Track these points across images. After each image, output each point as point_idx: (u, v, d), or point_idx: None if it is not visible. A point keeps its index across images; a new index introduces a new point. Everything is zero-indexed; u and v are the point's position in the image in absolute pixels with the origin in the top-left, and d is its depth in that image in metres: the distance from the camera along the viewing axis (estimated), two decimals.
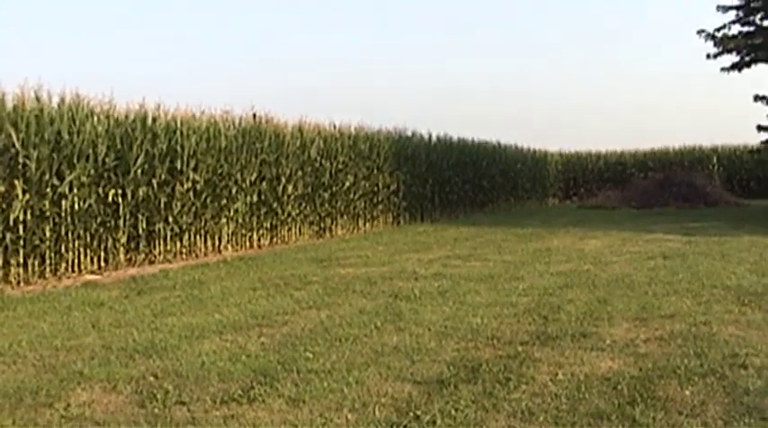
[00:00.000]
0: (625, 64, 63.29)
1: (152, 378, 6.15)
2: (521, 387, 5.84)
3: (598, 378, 6.05)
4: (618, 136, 56.19)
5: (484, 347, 7.19)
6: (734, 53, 27.92)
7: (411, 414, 5.19)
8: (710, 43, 27.91)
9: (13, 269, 11.68)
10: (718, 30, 27.89)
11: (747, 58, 27.79)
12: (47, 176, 12.29)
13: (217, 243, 16.45)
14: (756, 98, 27.90)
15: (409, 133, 25.99)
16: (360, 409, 5.36)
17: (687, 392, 5.65)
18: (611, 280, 10.98)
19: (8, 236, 11.59)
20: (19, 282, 11.67)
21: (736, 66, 28.09)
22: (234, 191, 16.86)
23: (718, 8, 28.09)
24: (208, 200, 16.03)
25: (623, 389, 5.71)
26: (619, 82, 63.34)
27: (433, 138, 27.64)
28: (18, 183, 11.78)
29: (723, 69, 28.33)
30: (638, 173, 40.71)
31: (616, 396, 5.56)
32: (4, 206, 11.57)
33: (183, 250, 15.42)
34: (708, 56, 28.08)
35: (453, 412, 5.23)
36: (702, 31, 27.93)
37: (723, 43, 27.70)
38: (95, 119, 13.58)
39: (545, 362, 6.58)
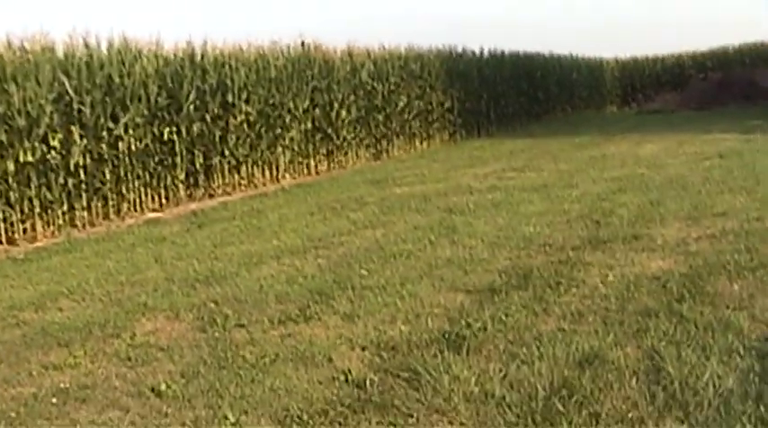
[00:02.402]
0: None
1: (212, 305, 6.37)
2: (571, 291, 5.96)
3: (648, 278, 6.13)
4: (674, 40, 54.82)
5: (536, 254, 7.30)
6: None
7: (462, 322, 5.34)
8: None
9: (78, 212, 12.00)
10: None
11: None
12: (102, 120, 12.51)
13: (274, 172, 16.64)
14: None
15: (460, 50, 25.78)
16: (413, 320, 5.52)
17: (736, 286, 5.71)
18: (665, 182, 10.96)
19: (70, 180, 11.87)
20: (84, 225, 11.98)
21: None
22: (287, 119, 16.97)
23: None
24: (262, 131, 16.18)
25: (672, 287, 5.79)
26: None
27: (485, 52, 27.38)
28: (75, 129, 12.01)
29: None
30: (698, 74, 39.86)
31: (665, 294, 5.65)
32: (63, 152, 11.83)
33: (242, 182, 15.64)
34: None
35: (504, 317, 5.37)
36: None
37: None
38: (144, 60, 13.72)
39: (596, 265, 6.67)
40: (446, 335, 5.11)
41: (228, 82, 15.38)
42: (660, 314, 5.19)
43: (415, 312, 5.71)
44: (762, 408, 3.67)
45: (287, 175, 16.89)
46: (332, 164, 18.57)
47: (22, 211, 11.25)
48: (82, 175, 12.04)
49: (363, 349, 5.04)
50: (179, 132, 14.06)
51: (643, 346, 4.64)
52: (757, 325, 4.87)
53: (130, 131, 12.99)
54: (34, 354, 5.50)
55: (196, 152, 14.51)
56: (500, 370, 4.45)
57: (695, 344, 4.57)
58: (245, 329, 5.64)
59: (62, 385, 4.85)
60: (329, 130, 18.37)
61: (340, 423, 4.00)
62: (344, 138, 18.94)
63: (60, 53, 12.44)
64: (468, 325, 5.26)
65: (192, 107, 14.32)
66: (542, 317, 5.38)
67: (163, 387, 4.62)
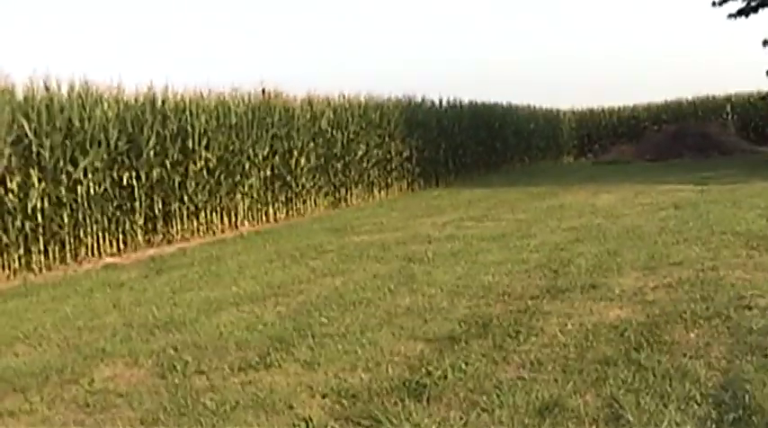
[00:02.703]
0: (630, 17, 62.78)
1: (172, 351, 6.33)
2: (530, 339, 6.00)
3: (606, 327, 6.20)
4: (630, 90, 55.73)
5: (495, 303, 7.34)
6: None
7: (423, 370, 5.36)
8: None
9: (34, 256, 11.90)
10: None
11: (754, 3, 27.57)
12: (61, 163, 12.47)
13: (233, 219, 16.62)
14: (765, 43, 27.70)
15: (419, 99, 26.02)
16: (373, 368, 5.53)
17: (692, 335, 5.80)
18: (622, 233, 11.10)
19: (27, 224, 11.79)
20: (41, 269, 11.87)
21: (743, 12, 27.86)
22: (247, 166, 16.99)
23: None
24: (222, 177, 16.18)
25: (630, 336, 5.86)
26: (627, 36, 62.89)
27: (444, 102, 27.65)
28: (33, 172, 11.96)
29: (730, 16, 28.12)
30: (652, 126, 40.49)
31: (623, 343, 5.71)
32: (21, 195, 11.75)
33: (200, 228, 15.59)
34: (713, 3, 27.94)
35: (464, 366, 5.39)
36: None
37: None
38: (105, 104, 13.70)
39: (554, 314, 6.73)
40: (406, 383, 5.12)
41: (189, 128, 15.40)
42: (619, 362, 5.25)
43: (375, 360, 5.71)
44: None
45: (246, 222, 16.87)
46: (291, 212, 18.59)
47: None
48: (39, 219, 11.96)
49: (324, 396, 5.03)
50: (138, 177, 14.02)
51: (602, 394, 4.69)
52: (713, 373, 4.94)
53: (90, 175, 12.93)
54: None
55: (155, 197, 14.47)
56: (461, 418, 4.48)
57: (654, 392, 4.63)
58: (205, 376, 5.61)
59: None
60: (288, 178, 18.42)
61: None
62: (303, 186, 18.99)
63: (20, 95, 12.40)
64: (428, 373, 5.28)
65: (152, 152, 14.30)
66: (502, 366, 5.41)
67: None
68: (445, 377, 5.18)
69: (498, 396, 4.77)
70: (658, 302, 6.88)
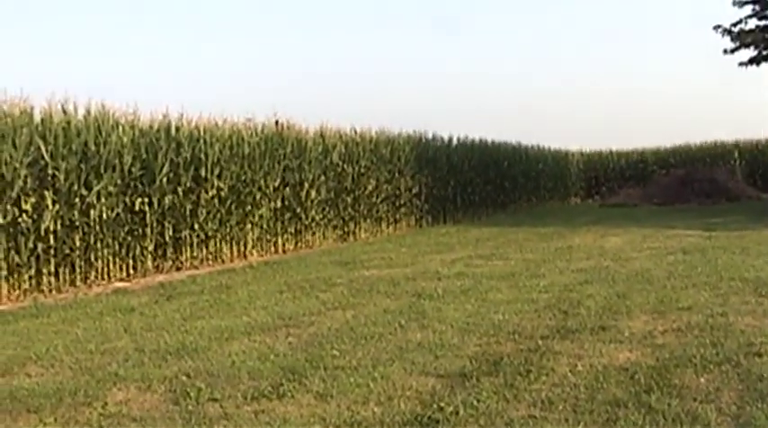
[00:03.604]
0: (640, 63, 63.08)
1: (185, 378, 6.38)
2: (541, 379, 6.03)
3: (616, 369, 6.23)
4: (638, 134, 55.97)
5: (505, 342, 7.38)
6: (751, 47, 27.87)
7: (435, 405, 5.39)
8: (728, 38, 27.93)
9: (45, 278, 11.98)
10: (735, 24, 27.86)
11: (765, 52, 27.74)
12: (75, 187, 12.58)
13: (242, 248, 16.70)
14: None
15: (430, 136, 26.20)
16: (385, 402, 5.56)
17: (702, 380, 5.83)
18: (631, 276, 11.15)
19: (39, 245, 11.88)
20: (51, 290, 11.95)
21: (754, 61, 27.97)
22: (258, 197, 17.11)
23: (735, 3, 28.04)
24: (232, 207, 16.29)
25: (640, 378, 5.89)
26: (636, 79, 63.12)
27: (454, 140, 27.80)
28: (48, 194, 12.07)
29: (741, 64, 28.26)
30: (660, 170, 40.64)
31: (633, 385, 5.74)
32: (35, 216, 11.85)
33: (210, 256, 15.67)
34: (725, 51, 28.08)
35: (475, 402, 5.43)
36: (719, 26, 27.92)
37: (740, 38, 27.69)
38: (120, 129, 13.86)
39: (565, 355, 6.76)
40: (419, 418, 5.16)
41: (202, 156, 15.53)
42: (629, 404, 5.28)
43: (387, 394, 5.75)
44: None
45: (254, 252, 16.95)
46: (299, 244, 18.67)
47: None
48: (52, 240, 12.06)
49: None
50: (150, 203, 14.13)
51: None
52: (724, 418, 4.98)
53: (103, 199, 13.05)
54: (2, 420, 5.47)
55: (166, 224, 14.57)
56: None
57: None
58: (218, 403, 5.65)
59: None
60: (298, 210, 18.53)
61: None
62: (313, 219, 19.10)
63: (38, 117, 12.54)
64: (440, 408, 5.31)
65: (165, 179, 14.42)
66: (513, 404, 5.44)
67: None
68: (457, 413, 5.21)
69: None
70: (668, 346, 6.91)
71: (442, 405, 5.38)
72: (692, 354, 6.50)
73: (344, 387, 5.93)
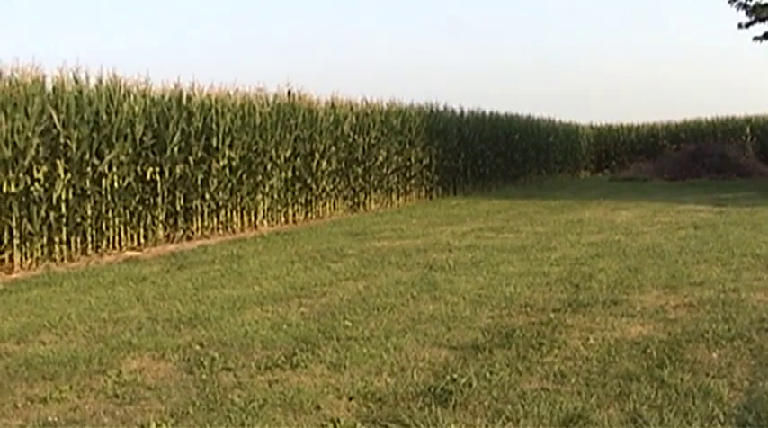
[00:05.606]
0: (655, 37, 62.73)
1: (198, 347, 6.41)
2: (553, 352, 6.05)
3: (628, 343, 6.24)
4: (649, 108, 55.73)
5: (517, 314, 7.40)
6: (766, 22, 27.68)
7: (448, 377, 5.40)
8: (742, 12, 27.74)
9: (57, 246, 12.02)
10: None
11: None
12: (87, 156, 12.60)
13: (253, 218, 16.74)
14: None
15: (441, 108, 26.11)
16: (398, 373, 5.59)
17: (714, 355, 5.83)
18: (642, 250, 11.14)
19: (51, 214, 11.91)
20: (63, 259, 12.00)
21: None
22: (269, 167, 17.11)
23: None
24: (243, 177, 16.30)
25: (652, 353, 5.90)
26: (649, 53, 62.82)
27: (465, 112, 27.72)
28: (60, 163, 12.09)
29: (755, 38, 28.13)
30: (671, 144, 40.40)
31: (645, 359, 5.75)
32: (47, 185, 11.87)
33: (220, 226, 15.71)
34: (740, 25, 27.95)
35: (488, 374, 5.44)
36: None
37: (756, 12, 27.50)
38: (132, 98, 13.85)
39: (577, 328, 6.78)
40: (432, 389, 5.18)
41: (214, 126, 15.52)
42: (641, 378, 5.29)
43: (400, 365, 5.77)
44: None
45: (265, 222, 16.98)
46: (309, 214, 18.70)
47: (0, 242, 11.25)
48: (63, 209, 12.08)
49: (351, 398, 5.09)
50: (162, 173, 14.15)
51: (626, 409, 4.74)
52: (736, 393, 4.98)
53: (114, 169, 13.06)
54: (19, 387, 5.50)
55: (177, 193, 14.60)
56: (486, 426, 4.53)
57: (677, 409, 4.67)
58: (232, 373, 5.68)
59: (49, 418, 4.86)
60: (309, 180, 18.53)
61: None
62: (323, 189, 19.10)
63: (50, 86, 12.53)
64: (453, 380, 5.32)
65: (176, 149, 14.43)
66: (526, 376, 5.46)
67: (153, 425, 4.64)
68: (470, 384, 5.23)
69: (523, 406, 4.82)
70: (680, 321, 6.92)
71: (455, 376, 5.39)
72: (704, 329, 6.50)
73: (357, 358, 5.96)
